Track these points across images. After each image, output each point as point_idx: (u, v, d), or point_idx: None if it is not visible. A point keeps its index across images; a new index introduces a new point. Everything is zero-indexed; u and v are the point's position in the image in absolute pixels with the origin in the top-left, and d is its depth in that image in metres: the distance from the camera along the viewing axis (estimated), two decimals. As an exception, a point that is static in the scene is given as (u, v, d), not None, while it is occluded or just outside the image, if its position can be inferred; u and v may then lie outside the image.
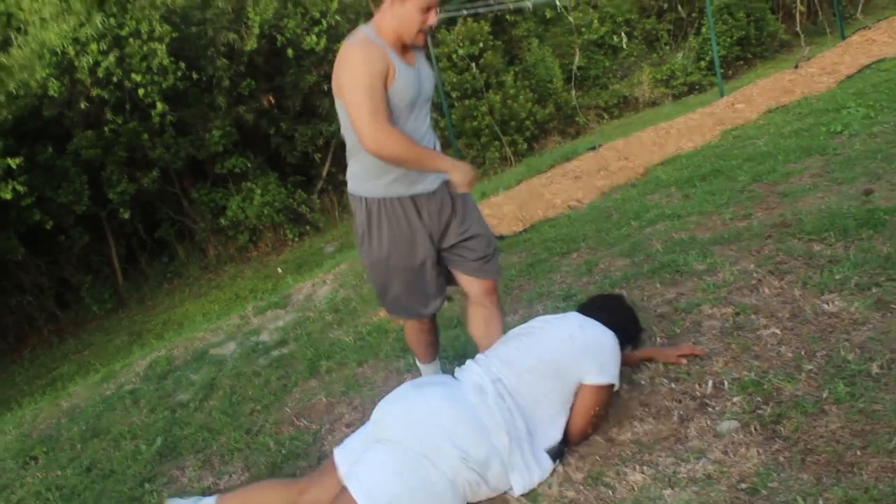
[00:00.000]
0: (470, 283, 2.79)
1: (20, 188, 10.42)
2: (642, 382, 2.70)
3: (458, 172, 2.44)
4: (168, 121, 12.59)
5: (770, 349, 2.63)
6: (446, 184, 2.60)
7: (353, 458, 2.43)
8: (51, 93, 11.34)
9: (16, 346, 13.51)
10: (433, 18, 2.44)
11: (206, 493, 2.99)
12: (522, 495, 2.30)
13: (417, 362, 3.18)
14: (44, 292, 13.70)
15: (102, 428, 4.29)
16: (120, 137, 12.51)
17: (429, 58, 3.31)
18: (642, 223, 4.70)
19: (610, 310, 2.68)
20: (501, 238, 5.56)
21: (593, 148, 8.08)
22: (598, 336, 2.52)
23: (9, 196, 10.31)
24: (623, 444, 2.38)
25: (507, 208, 6.35)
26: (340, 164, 15.27)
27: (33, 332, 13.71)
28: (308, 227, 14.69)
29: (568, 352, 2.45)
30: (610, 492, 2.17)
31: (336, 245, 13.22)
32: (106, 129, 12.32)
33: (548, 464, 2.34)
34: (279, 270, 12.48)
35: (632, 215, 4.95)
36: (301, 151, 14.79)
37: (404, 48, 2.50)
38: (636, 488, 2.14)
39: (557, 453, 2.38)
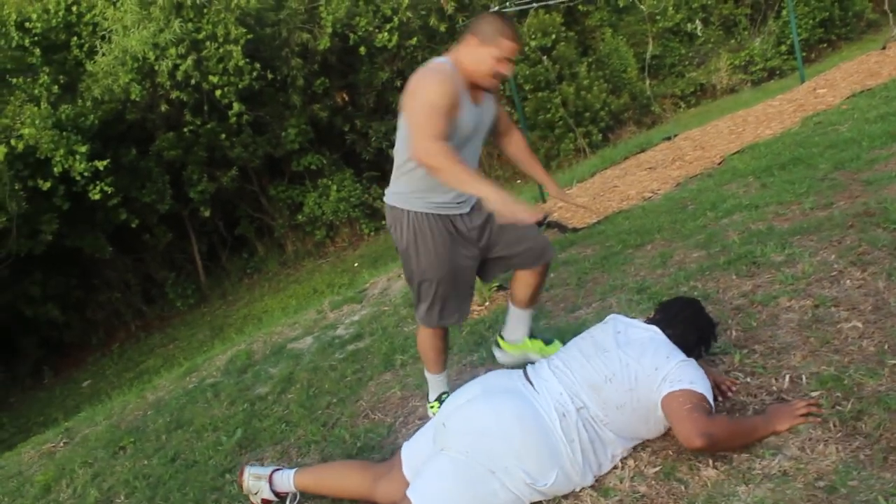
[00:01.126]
0: (528, 273, 2.98)
1: (107, 189, 10.87)
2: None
3: (497, 202, 2.30)
4: (245, 120, 12.93)
5: (851, 343, 2.54)
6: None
7: (419, 457, 2.47)
8: (133, 97, 11.80)
9: (105, 341, 14.12)
10: (508, 69, 2.55)
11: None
12: (592, 488, 2.29)
13: (427, 373, 3.20)
14: (130, 289, 14.29)
15: (186, 420, 4.45)
16: (199, 138, 12.92)
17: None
18: (718, 214, 4.59)
19: (689, 321, 2.55)
20: (575, 231, 5.53)
21: (668, 138, 7.93)
22: (683, 367, 2.33)
23: (97, 197, 10.78)
24: (696, 439, 2.34)
25: (580, 200, 6.30)
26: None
27: (122, 327, 14.32)
28: (384, 222, 14.84)
29: (654, 382, 2.30)
30: (682, 487, 2.14)
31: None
32: (185, 130, 12.75)
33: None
34: (356, 265, 12.69)
35: (708, 206, 4.84)
36: (375, 147, 14.96)
37: (475, 85, 2.60)
38: (709, 484, 2.10)
39: None
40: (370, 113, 14.97)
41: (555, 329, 3.69)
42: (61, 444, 5.11)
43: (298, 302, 11.00)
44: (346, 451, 3.32)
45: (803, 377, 2.44)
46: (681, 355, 2.36)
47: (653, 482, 2.21)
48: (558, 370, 2.46)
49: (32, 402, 13.00)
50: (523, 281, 3.01)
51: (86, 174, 10.55)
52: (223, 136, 13.00)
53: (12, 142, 10.08)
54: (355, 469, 2.76)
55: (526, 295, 3.06)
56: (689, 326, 2.52)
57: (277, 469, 2.89)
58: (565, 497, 2.30)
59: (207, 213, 13.64)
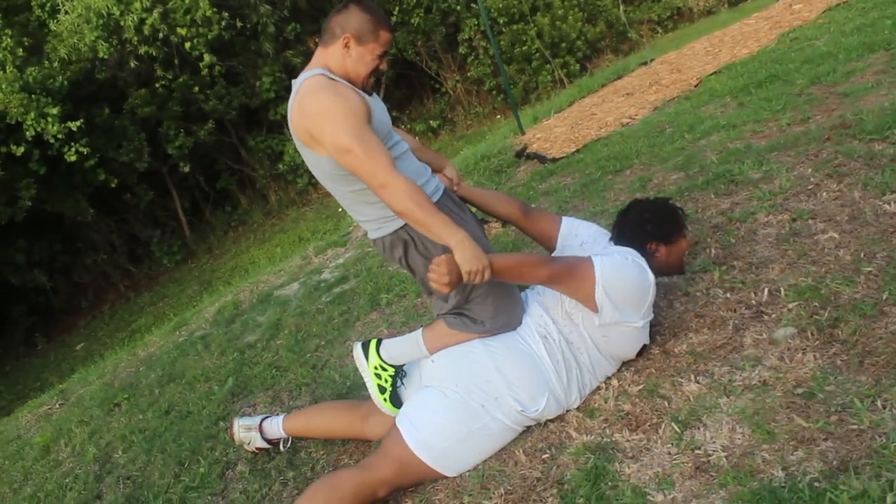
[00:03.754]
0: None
1: (83, 149, 10.71)
2: (697, 294, 2.67)
3: (465, 252, 2.07)
4: (217, 72, 12.71)
5: (828, 253, 2.56)
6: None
7: (407, 393, 2.50)
8: (101, 55, 11.55)
9: (96, 304, 14.10)
10: (384, 64, 2.32)
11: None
12: (578, 408, 2.33)
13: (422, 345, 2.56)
14: (116, 250, 14.22)
15: (178, 373, 4.48)
16: (173, 93, 12.71)
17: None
18: (696, 135, 4.57)
19: (634, 224, 2.50)
20: (554, 161, 5.50)
21: (645, 63, 7.84)
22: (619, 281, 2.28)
23: (73, 158, 10.62)
24: (678, 355, 2.37)
25: (558, 130, 6.26)
26: (393, 98, 15.23)
27: (110, 288, 14.29)
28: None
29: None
30: (665, 402, 2.17)
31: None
32: (158, 86, 12.52)
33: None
34: (339, 210, 12.62)
35: (685, 128, 4.82)
36: (351, 90, 14.77)
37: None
38: (692, 398, 2.14)
39: None
40: (344, 56, 14.71)
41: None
42: (57, 406, 5.15)
43: (284, 250, 10.98)
44: (337, 391, 3.35)
45: (781, 289, 2.46)
46: (610, 249, 2.40)
47: (637, 400, 2.25)
48: (534, 291, 2.49)
49: (27, 369, 13.03)
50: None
51: (59, 136, 10.38)
52: (196, 89, 12.80)
53: (-20, 108, 9.89)
54: (343, 409, 2.79)
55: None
56: (636, 230, 2.49)
57: (266, 417, 2.91)
58: (552, 420, 2.34)
59: (187, 169, 13.50)
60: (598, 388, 2.39)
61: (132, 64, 12.14)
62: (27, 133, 10.11)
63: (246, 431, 2.89)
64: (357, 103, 2.15)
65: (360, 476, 2.22)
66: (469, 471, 2.28)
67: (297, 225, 13.26)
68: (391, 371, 2.51)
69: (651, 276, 2.27)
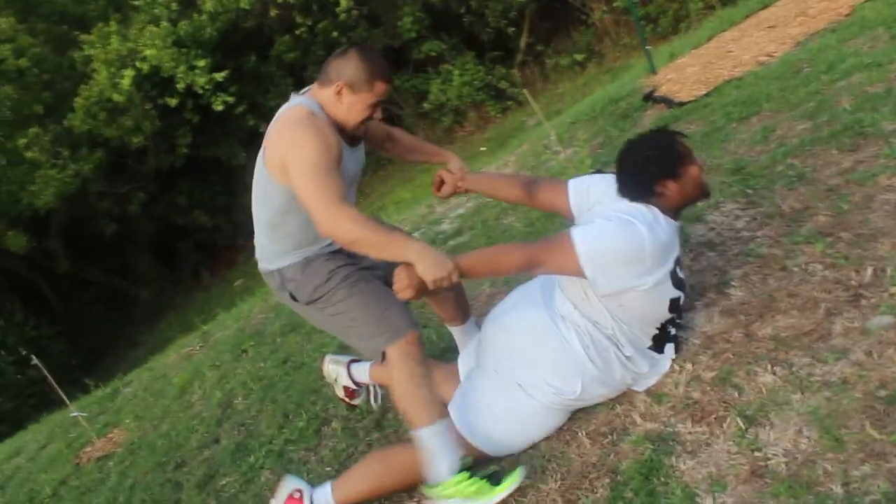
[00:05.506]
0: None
1: (229, 99, 11.24)
2: (794, 270, 2.45)
3: (425, 263, 2.02)
4: (356, 14, 12.83)
5: (950, 228, 2.27)
6: None
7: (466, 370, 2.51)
8: (243, 5, 11.95)
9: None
10: (378, 113, 2.27)
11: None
12: (646, 392, 2.23)
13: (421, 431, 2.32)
14: (271, 192, 14.99)
15: (298, 323, 4.67)
16: (316, 37, 13.00)
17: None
18: (834, 76, 4.13)
19: (633, 169, 2.23)
20: (681, 105, 5.18)
21: (796, -13, 7.13)
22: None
23: (220, 108, 11.21)
24: (761, 340, 2.20)
25: (691, 70, 5.86)
26: (538, 34, 14.85)
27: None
28: (510, 102, 14.61)
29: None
30: (736, 393, 2.04)
31: (537, 119, 13.07)
32: (299, 32, 12.83)
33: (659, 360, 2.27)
34: (482, 149, 12.61)
35: (824, 68, 4.36)
36: (494, 27, 14.53)
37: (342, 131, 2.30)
38: (764, 391, 1.99)
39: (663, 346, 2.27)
40: (483, -5, 14.45)
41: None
42: (198, 348, 5.57)
43: (424, 191, 11.12)
44: (430, 351, 3.38)
45: (888, 270, 2.21)
46: (613, 209, 2.18)
47: (707, 388, 2.12)
48: (550, 278, 2.40)
49: (193, 302, 14.19)
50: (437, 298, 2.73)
51: (206, 87, 10.95)
52: (335, 33, 13.01)
53: (138, 64, 10.59)
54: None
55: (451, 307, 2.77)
56: (625, 172, 2.25)
57: (356, 360, 2.96)
58: (619, 402, 2.26)
59: (333, 110, 13.90)
60: (672, 371, 2.26)
61: (272, 12, 12.49)
62: (178, 85, 10.74)
63: (334, 365, 2.97)
64: (332, 144, 2.14)
65: (414, 452, 2.25)
66: (530, 450, 2.26)
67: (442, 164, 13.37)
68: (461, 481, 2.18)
69: (643, 231, 2.04)
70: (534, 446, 2.28)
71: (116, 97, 11.37)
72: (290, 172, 2.12)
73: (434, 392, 2.27)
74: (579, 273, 2.08)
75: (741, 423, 1.91)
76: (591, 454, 2.12)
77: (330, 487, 2.30)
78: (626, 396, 2.27)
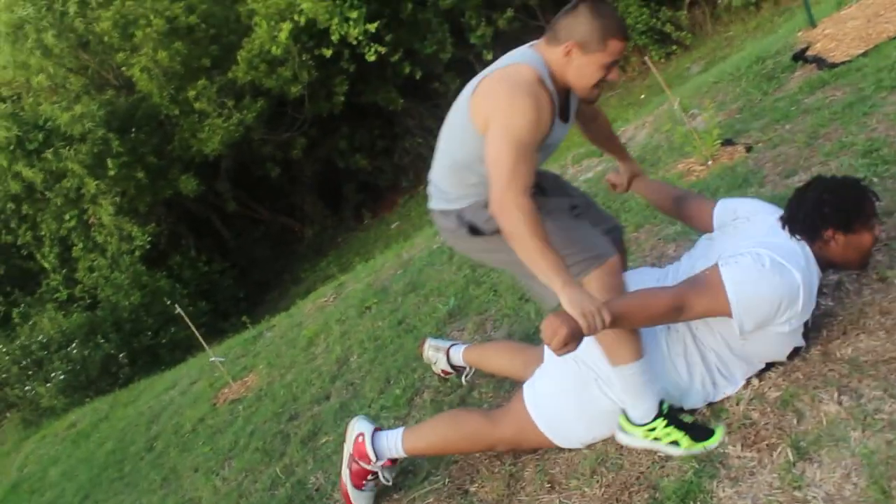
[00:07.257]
0: None
1: (381, 49, 11.45)
2: (895, 282, 2.23)
3: (571, 294, 1.84)
4: (516, -42, 12.60)
5: None
6: None
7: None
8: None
9: (414, 183, 15.38)
10: (614, 74, 2.06)
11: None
12: (709, 406, 2.16)
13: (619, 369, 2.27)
14: (432, 133, 15.21)
15: (420, 283, 4.80)
16: (475, -19, 12.91)
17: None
18: None
19: (810, 205, 2.09)
20: (833, 66, 4.72)
21: None
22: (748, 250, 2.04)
23: (373, 58, 11.48)
24: (837, 361, 2.05)
25: (852, 24, 5.29)
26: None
27: (427, 169, 15.48)
28: (675, 47, 13.92)
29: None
30: (795, 420, 1.92)
31: (702, 64, 12.38)
32: (456, -25, 12.77)
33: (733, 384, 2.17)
34: (642, 97, 12.16)
35: None
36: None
37: (568, 95, 2.15)
38: (825, 422, 1.86)
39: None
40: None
41: (768, 195, 3.32)
42: (331, 300, 5.85)
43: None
44: (527, 330, 3.40)
45: None
46: (764, 241, 2.05)
47: (768, 409, 2.01)
48: (653, 277, 2.32)
49: (353, 242, 14.89)
50: None
51: (359, 38, 11.23)
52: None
53: (294, 16, 11.01)
54: (512, 351, 2.87)
55: None
56: (801, 204, 2.11)
57: (455, 344, 3.08)
58: (681, 410, 2.19)
59: (490, 57, 13.82)
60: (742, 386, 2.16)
61: (427, -40, 12.52)
62: (333, 37, 11.09)
63: (434, 351, 3.10)
64: (545, 123, 2.00)
65: (484, 424, 2.33)
66: (586, 451, 2.25)
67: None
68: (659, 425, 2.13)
69: (797, 278, 1.93)
70: (591, 446, 2.28)
71: (274, 49, 11.93)
72: (490, 134, 2.01)
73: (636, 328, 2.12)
74: (726, 316, 2.00)
75: (791, 455, 1.82)
76: (641, 464, 2.09)
77: (401, 433, 2.44)
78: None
